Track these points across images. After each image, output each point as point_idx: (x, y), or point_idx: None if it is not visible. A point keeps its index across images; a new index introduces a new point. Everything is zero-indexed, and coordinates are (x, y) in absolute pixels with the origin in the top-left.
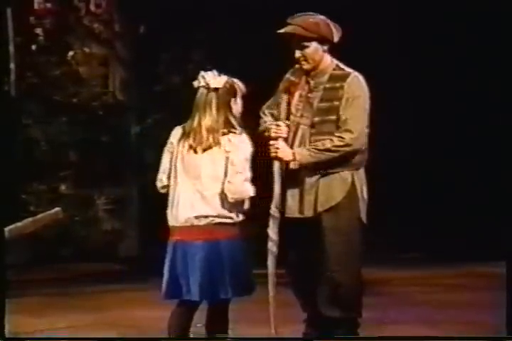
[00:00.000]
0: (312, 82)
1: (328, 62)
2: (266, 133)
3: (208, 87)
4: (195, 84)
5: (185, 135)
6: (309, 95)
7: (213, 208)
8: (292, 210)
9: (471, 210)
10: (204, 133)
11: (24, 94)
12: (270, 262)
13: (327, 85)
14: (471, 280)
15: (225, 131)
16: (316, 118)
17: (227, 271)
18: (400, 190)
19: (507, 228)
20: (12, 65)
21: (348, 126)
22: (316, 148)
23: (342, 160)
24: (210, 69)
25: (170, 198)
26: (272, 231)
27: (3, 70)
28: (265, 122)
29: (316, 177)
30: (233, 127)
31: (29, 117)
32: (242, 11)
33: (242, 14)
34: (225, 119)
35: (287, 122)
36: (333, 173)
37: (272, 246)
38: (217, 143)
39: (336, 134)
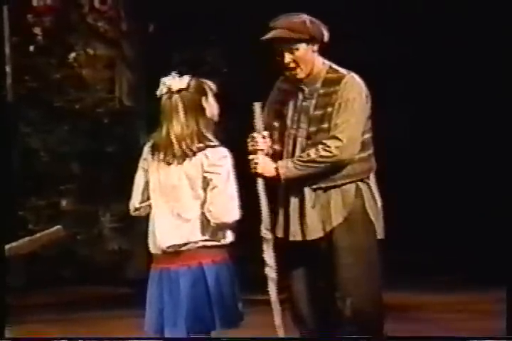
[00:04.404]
0: (307, 90)
1: (320, 65)
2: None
3: (171, 92)
4: (158, 93)
5: (155, 149)
6: (304, 104)
7: (198, 232)
8: (296, 233)
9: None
10: (175, 143)
11: (22, 99)
12: (271, 289)
13: (321, 91)
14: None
15: (201, 145)
16: (312, 129)
17: (213, 300)
18: (435, 211)
19: None
20: (8, 68)
21: (336, 132)
22: (300, 160)
23: (337, 172)
24: (197, 71)
25: (150, 224)
26: (268, 256)
27: None
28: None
29: (314, 192)
30: (207, 139)
31: (27, 125)
32: (258, 8)
33: (260, 11)
34: (197, 125)
35: (264, 134)
36: (332, 187)
37: (270, 272)
38: (192, 152)
39: (323, 141)
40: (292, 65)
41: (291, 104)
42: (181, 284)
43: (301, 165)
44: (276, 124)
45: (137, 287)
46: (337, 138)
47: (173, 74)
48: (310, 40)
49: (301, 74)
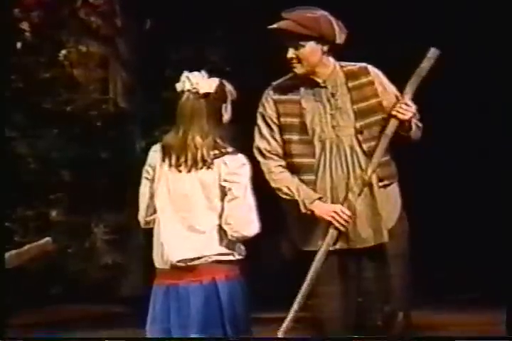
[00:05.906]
0: (330, 87)
1: (331, 64)
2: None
3: (195, 92)
4: (179, 87)
5: (166, 153)
6: (333, 102)
7: (213, 245)
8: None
9: None
10: (192, 149)
11: (8, 101)
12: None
13: (350, 84)
14: None
15: (216, 152)
16: (360, 123)
17: (226, 317)
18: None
19: None
20: None
21: None
22: (417, 124)
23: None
24: (198, 70)
25: (155, 236)
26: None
27: None
28: (275, 167)
29: (380, 189)
30: (222, 146)
31: (14, 129)
32: (263, 3)
33: (264, 7)
34: (215, 133)
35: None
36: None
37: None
38: (205, 162)
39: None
40: (294, 61)
41: (309, 109)
42: (192, 301)
43: (419, 127)
44: (294, 137)
45: (133, 305)
46: None
47: (203, 72)
48: (319, 39)
49: (300, 69)
